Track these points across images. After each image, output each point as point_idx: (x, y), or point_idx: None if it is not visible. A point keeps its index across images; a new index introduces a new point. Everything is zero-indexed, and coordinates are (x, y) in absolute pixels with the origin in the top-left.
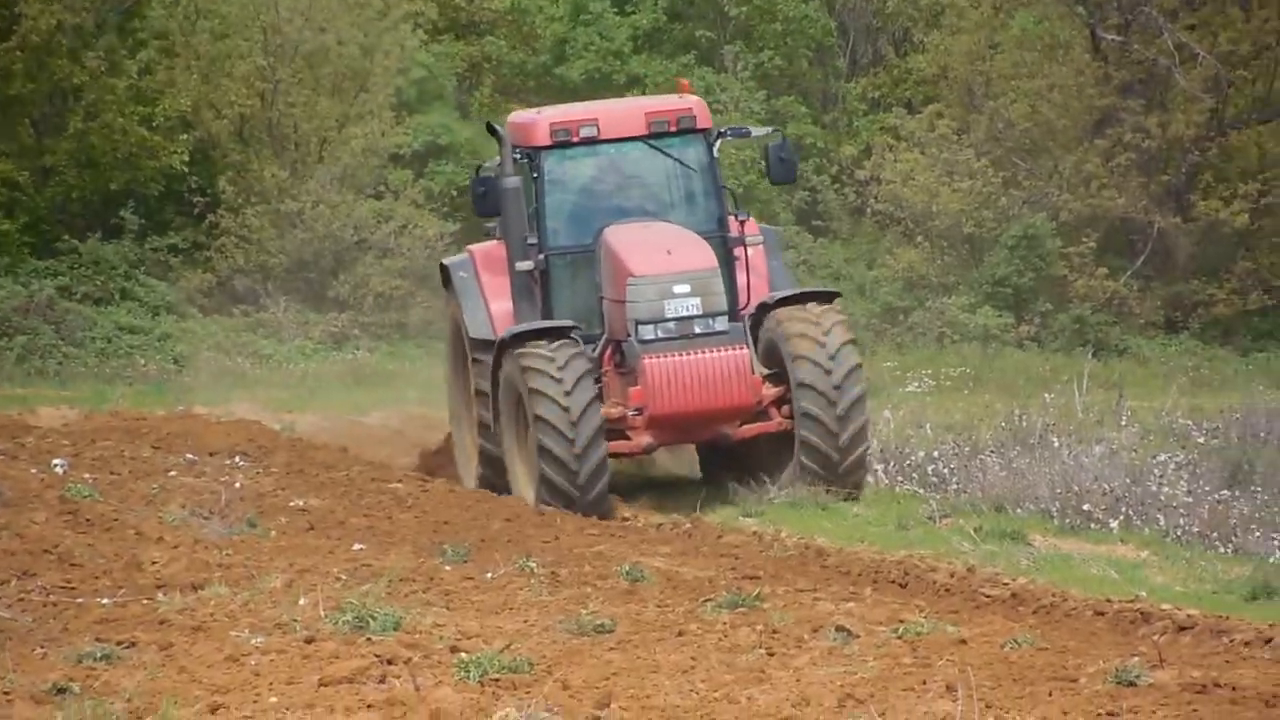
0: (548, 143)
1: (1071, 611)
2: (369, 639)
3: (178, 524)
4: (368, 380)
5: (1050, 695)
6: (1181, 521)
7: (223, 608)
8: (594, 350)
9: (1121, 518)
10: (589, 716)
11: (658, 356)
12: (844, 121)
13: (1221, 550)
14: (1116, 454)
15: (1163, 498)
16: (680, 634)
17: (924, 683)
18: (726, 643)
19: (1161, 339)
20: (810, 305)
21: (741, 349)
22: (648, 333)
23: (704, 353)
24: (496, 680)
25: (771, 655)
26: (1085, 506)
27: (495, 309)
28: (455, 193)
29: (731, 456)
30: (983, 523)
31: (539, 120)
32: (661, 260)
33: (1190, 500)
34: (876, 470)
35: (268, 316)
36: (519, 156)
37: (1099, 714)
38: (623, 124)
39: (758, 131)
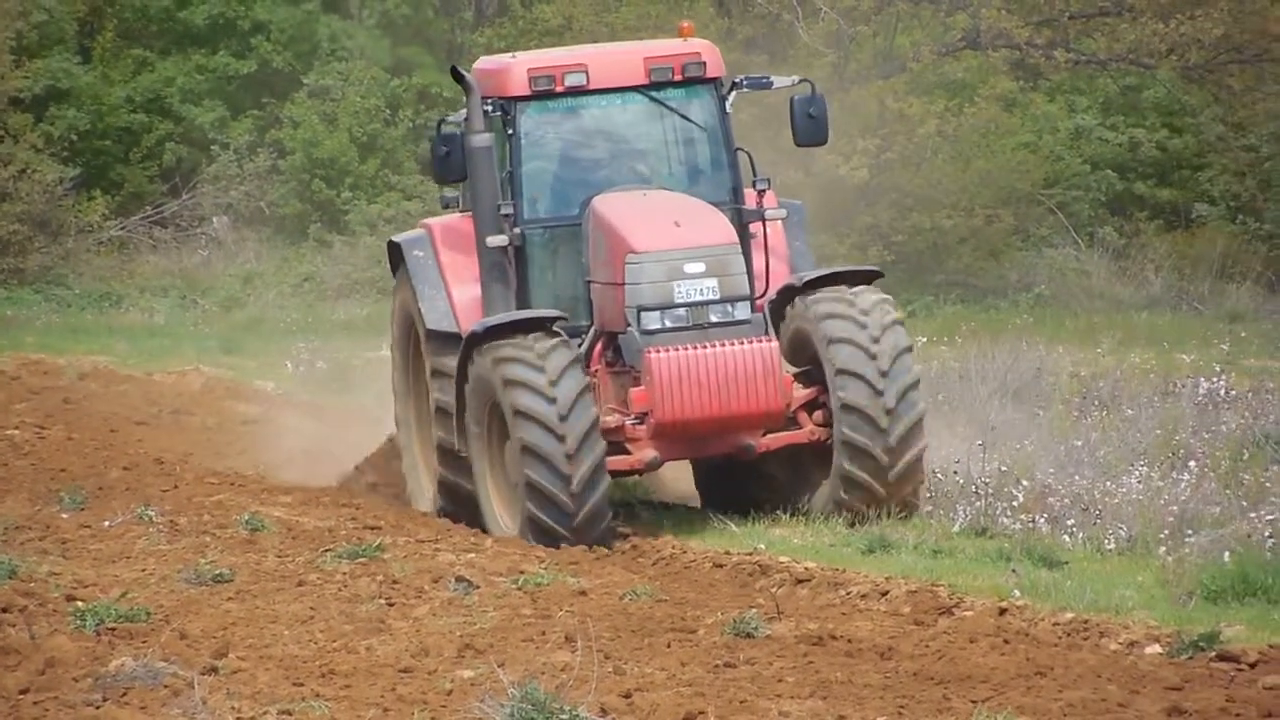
0: (525, 93)
1: (690, 564)
2: None
3: None
4: None
5: (669, 646)
6: None
7: None
8: (580, 345)
9: None
10: (206, 666)
11: (665, 350)
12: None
13: None
14: None
15: None
16: (300, 584)
17: (543, 633)
18: (346, 593)
19: None
20: (844, 287)
21: (769, 341)
22: (652, 321)
23: (722, 345)
24: (113, 629)
25: (391, 605)
26: None
27: (459, 296)
28: (75, 137)
29: (741, 476)
30: None
31: (514, 66)
32: (669, 234)
33: None
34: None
35: None
36: (490, 109)
37: (717, 665)
38: (616, 72)
39: (780, 81)
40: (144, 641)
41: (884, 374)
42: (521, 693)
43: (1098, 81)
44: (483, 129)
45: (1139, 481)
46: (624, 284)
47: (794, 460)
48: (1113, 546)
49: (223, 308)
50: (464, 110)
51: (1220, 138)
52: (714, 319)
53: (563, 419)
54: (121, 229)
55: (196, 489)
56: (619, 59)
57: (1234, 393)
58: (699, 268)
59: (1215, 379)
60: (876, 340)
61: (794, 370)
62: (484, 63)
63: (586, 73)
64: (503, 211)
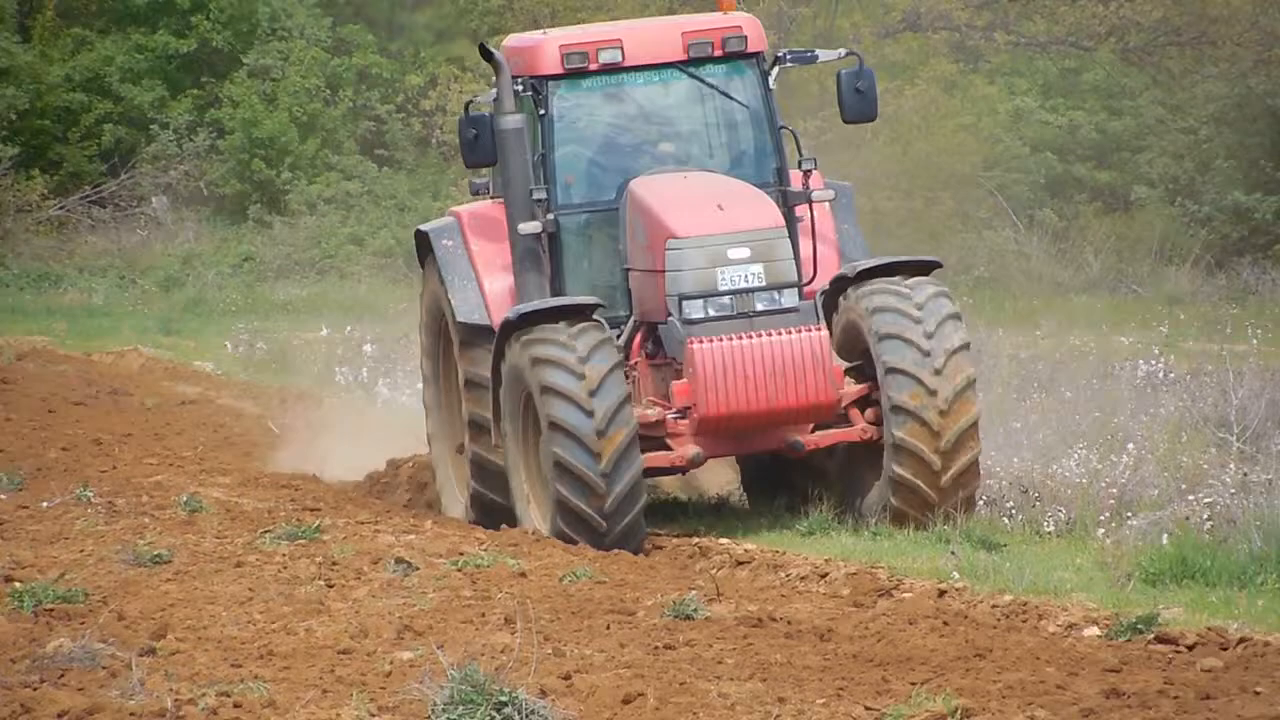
0: (558, 71)
1: None
2: None
3: None
4: None
5: (608, 628)
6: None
7: None
8: (619, 336)
9: None
10: (144, 647)
11: (709, 341)
12: (410, 51)
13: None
14: None
15: None
16: (239, 565)
17: (483, 615)
18: (286, 574)
19: None
20: (899, 278)
21: (819, 329)
22: (695, 310)
23: (769, 335)
24: (50, 610)
25: (331, 587)
26: None
27: (490, 287)
28: (14, 116)
29: (787, 474)
30: None
31: (545, 42)
32: (711, 218)
33: None
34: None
35: None
36: (521, 89)
37: (656, 646)
38: (653, 47)
39: (825, 55)
40: (82, 622)
41: (938, 373)
42: (461, 674)
43: (1037, 64)
44: (513, 110)
45: (1078, 464)
46: (664, 271)
47: (842, 460)
48: (1051, 529)
49: (162, 288)
50: (493, 91)
51: (1159, 120)
52: (760, 307)
53: (592, 394)
54: (60, 209)
55: (135, 470)
56: (655, 34)
57: (1172, 375)
58: (744, 253)
59: (1154, 361)
60: (930, 336)
61: (846, 365)
62: (513, 40)
63: (621, 49)
64: (536, 197)
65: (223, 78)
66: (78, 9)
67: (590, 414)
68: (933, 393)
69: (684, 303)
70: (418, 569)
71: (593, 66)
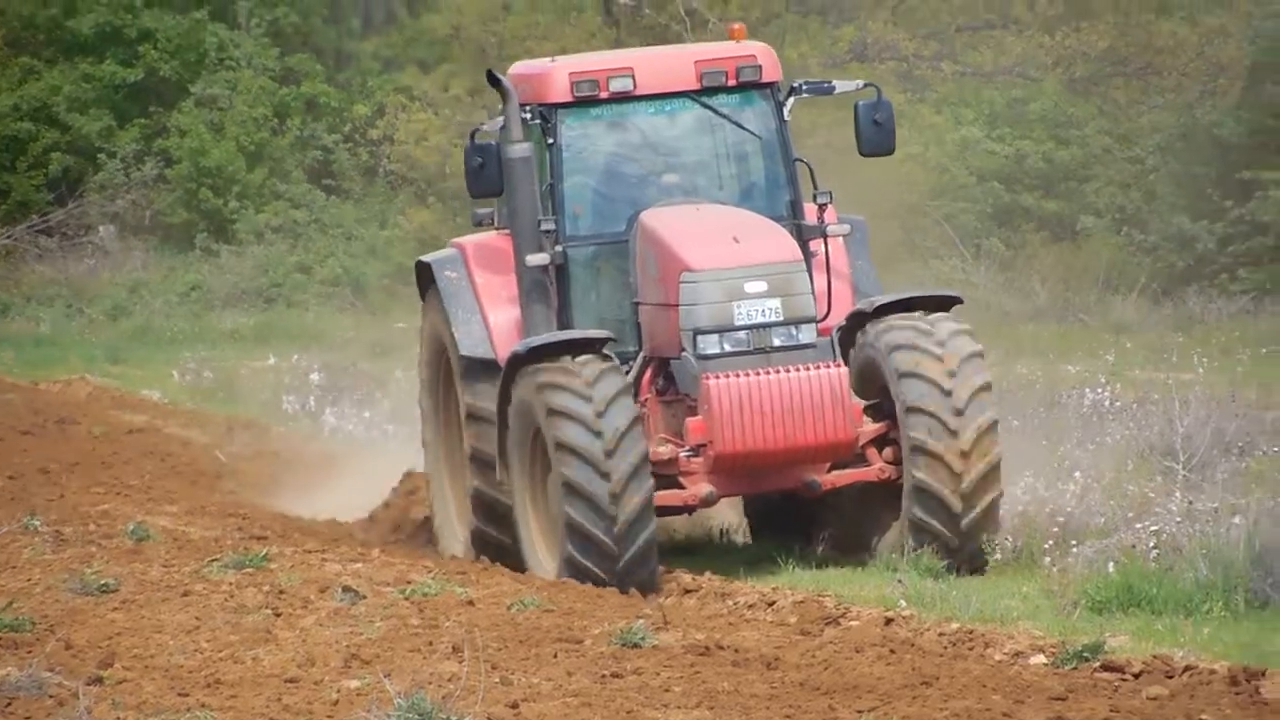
0: (567, 99)
1: None
2: None
3: None
4: None
5: (556, 656)
6: None
7: None
8: (629, 371)
9: None
10: (91, 676)
11: (724, 377)
12: (357, 81)
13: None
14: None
15: None
16: (186, 594)
17: (430, 643)
18: (233, 603)
19: None
20: (919, 314)
21: (837, 366)
22: (710, 345)
23: (787, 371)
24: None
25: (278, 615)
26: None
27: (495, 320)
28: None
29: (798, 514)
30: None
31: (555, 70)
32: (727, 250)
33: None
34: (388, 430)
35: None
36: (529, 117)
37: (604, 675)
38: (665, 76)
39: (843, 86)
40: (29, 651)
41: (959, 413)
42: (408, 703)
43: (984, 94)
44: (521, 138)
45: (1024, 492)
46: (678, 305)
47: (858, 500)
48: (998, 557)
49: (109, 317)
50: (499, 119)
51: (1106, 150)
52: (777, 342)
53: (609, 455)
54: (8, 238)
55: (82, 498)
56: (668, 63)
57: (1119, 404)
58: (760, 287)
59: (1100, 390)
60: (953, 375)
61: (863, 403)
62: (521, 67)
63: (633, 77)
64: (543, 227)
65: (170, 107)
66: (25, 39)
67: (606, 476)
68: (954, 433)
69: (698, 338)
70: (365, 597)
71: (603, 95)
